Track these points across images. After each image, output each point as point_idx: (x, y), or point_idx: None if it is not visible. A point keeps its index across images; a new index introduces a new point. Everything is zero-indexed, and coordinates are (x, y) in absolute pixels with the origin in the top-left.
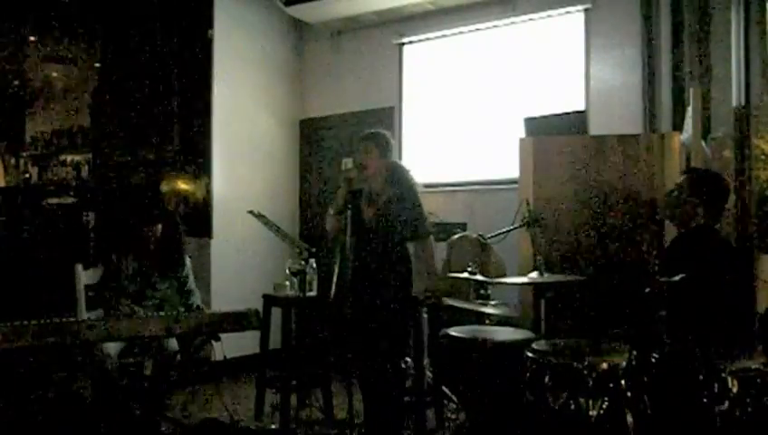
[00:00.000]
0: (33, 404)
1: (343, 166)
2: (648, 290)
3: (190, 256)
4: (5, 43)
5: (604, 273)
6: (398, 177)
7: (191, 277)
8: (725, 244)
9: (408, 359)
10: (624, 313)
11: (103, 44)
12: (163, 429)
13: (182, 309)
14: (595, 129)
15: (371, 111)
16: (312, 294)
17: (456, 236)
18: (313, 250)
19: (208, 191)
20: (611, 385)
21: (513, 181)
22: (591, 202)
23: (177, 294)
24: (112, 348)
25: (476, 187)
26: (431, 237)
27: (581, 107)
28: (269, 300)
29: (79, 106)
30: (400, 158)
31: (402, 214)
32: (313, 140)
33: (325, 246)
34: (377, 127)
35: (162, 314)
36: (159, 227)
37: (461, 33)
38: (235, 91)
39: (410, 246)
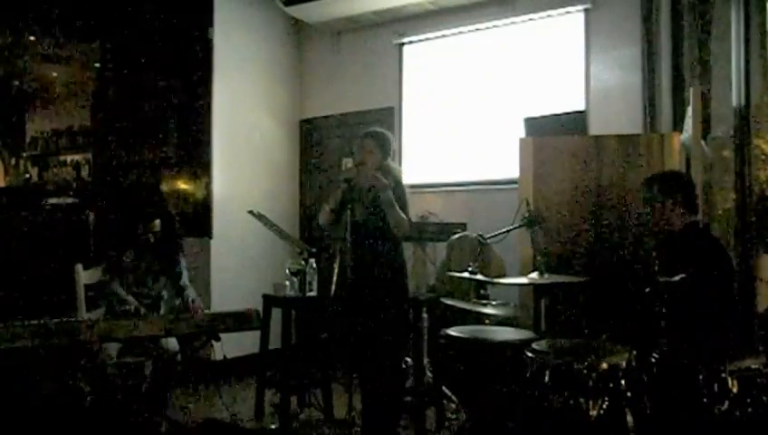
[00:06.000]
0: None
1: (343, 166)
2: (648, 290)
3: (185, 255)
4: (5, 43)
5: (604, 273)
6: (388, 176)
7: (185, 273)
8: (714, 241)
9: (408, 359)
10: (624, 313)
11: (103, 44)
12: (163, 429)
13: (178, 303)
14: (595, 129)
15: (371, 111)
16: (312, 294)
17: (456, 236)
18: (313, 250)
19: (208, 191)
20: (611, 385)
21: (513, 181)
22: (591, 202)
23: (172, 293)
24: (112, 348)
25: (476, 187)
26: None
27: (581, 107)
28: (269, 300)
29: (79, 106)
30: (400, 157)
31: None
32: (313, 140)
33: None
34: (376, 127)
35: (162, 314)
36: (157, 223)
37: (461, 33)
38: (235, 92)
39: (408, 247)
